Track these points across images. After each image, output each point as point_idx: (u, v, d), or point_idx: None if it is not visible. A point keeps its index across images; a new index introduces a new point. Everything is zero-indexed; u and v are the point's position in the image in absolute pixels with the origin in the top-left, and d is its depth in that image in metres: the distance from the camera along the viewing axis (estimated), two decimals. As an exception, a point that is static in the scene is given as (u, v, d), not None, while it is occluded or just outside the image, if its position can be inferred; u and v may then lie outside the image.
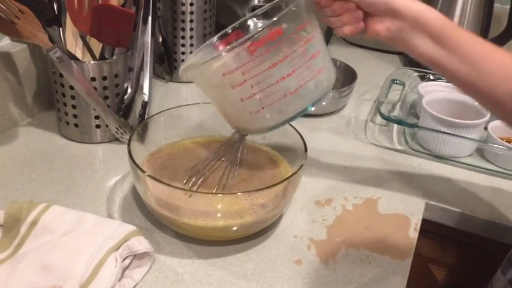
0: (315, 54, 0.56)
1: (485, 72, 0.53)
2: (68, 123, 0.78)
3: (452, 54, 0.54)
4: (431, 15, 0.55)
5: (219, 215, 0.59)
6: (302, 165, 0.61)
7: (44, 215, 0.58)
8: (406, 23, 0.54)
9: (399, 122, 0.84)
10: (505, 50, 0.55)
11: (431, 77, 0.98)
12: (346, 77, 0.97)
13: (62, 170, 0.73)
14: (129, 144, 0.62)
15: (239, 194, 0.61)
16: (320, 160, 0.79)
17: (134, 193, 0.68)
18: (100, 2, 0.70)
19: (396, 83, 0.95)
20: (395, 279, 0.59)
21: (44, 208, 0.59)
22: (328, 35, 1.16)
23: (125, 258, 0.55)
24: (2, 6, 0.68)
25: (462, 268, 0.78)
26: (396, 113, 0.90)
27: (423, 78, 0.98)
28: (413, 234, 0.65)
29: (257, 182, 0.65)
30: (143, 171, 0.58)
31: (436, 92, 0.89)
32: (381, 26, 0.56)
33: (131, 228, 0.57)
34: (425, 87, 0.92)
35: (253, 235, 0.62)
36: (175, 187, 0.59)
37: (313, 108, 0.59)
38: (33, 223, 0.58)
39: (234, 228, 0.60)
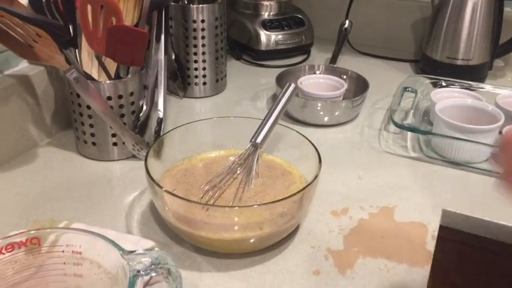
0: None
1: None
2: (85, 142, 0.80)
3: None
4: None
5: (236, 227, 0.60)
6: (317, 176, 0.62)
7: (64, 235, 0.59)
8: None
9: (413, 129, 0.85)
10: None
11: (444, 84, 0.98)
12: (358, 86, 0.98)
13: (81, 188, 0.74)
14: (146, 161, 0.63)
15: (255, 206, 0.62)
16: (335, 170, 0.79)
17: (152, 208, 0.70)
18: (114, 23, 0.71)
19: (408, 91, 0.95)
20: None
21: (65, 226, 0.60)
22: (340, 44, 1.17)
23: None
24: (20, 31, 0.70)
25: (482, 274, 0.78)
26: (409, 120, 0.90)
27: (435, 85, 0.99)
28: (431, 241, 0.65)
29: (272, 193, 0.66)
30: (160, 187, 0.59)
31: (449, 99, 0.89)
32: None
33: (150, 243, 0.58)
34: (437, 93, 0.92)
35: (271, 247, 0.63)
36: (192, 201, 0.60)
37: None
38: (55, 241, 0.59)
39: (252, 240, 0.60)
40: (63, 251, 0.52)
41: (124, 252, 0.46)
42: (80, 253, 0.52)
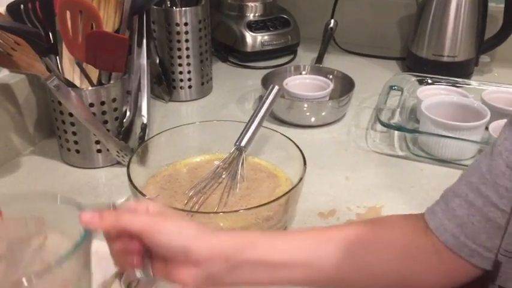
0: None
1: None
2: (69, 149, 0.79)
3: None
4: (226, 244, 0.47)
5: (221, 233, 0.59)
6: (301, 178, 0.61)
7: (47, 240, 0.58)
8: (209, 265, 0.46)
9: (399, 128, 0.84)
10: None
11: (430, 81, 0.98)
12: (344, 86, 0.97)
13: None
14: (128, 167, 0.62)
15: (240, 211, 0.61)
16: (321, 171, 0.79)
17: (137, 216, 0.69)
18: (94, 28, 0.71)
19: (394, 89, 0.95)
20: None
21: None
22: (325, 43, 1.17)
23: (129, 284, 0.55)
24: (-2, 40, 0.69)
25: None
26: (396, 119, 0.90)
27: (421, 82, 0.98)
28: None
29: (258, 197, 0.65)
30: (143, 195, 0.58)
31: (435, 96, 0.88)
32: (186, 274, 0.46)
33: None
34: (424, 91, 0.92)
35: (257, 251, 0.62)
36: (177, 208, 0.59)
37: None
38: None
39: (238, 245, 0.59)
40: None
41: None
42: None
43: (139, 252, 0.45)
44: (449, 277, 0.49)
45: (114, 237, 0.46)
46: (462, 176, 0.49)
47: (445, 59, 1.07)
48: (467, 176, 0.48)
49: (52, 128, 0.82)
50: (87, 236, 0.45)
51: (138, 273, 0.46)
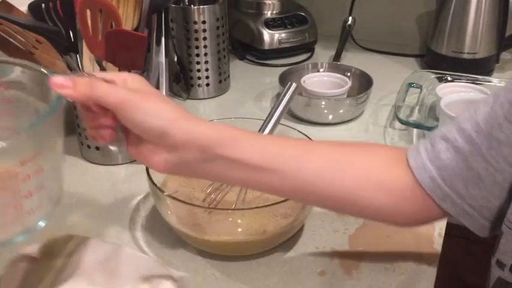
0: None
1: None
2: (89, 146, 0.80)
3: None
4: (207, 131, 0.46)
5: (239, 230, 0.59)
6: (319, 176, 0.61)
7: (80, 248, 0.59)
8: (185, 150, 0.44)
9: (417, 125, 0.84)
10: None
11: (449, 78, 0.97)
12: (362, 83, 0.97)
13: (85, 193, 0.74)
14: (147, 165, 0.63)
15: (258, 208, 0.61)
16: (339, 169, 0.78)
17: (156, 212, 0.69)
18: (113, 27, 0.71)
19: (413, 87, 0.94)
20: (422, 286, 0.58)
21: (80, 241, 0.60)
22: (343, 41, 1.16)
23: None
24: (20, 38, 0.70)
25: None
26: (415, 116, 0.89)
27: (441, 79, 0.97)
28: (437, 239, 0.65)
29: (276, 195, 0.65)
30: (162, 191, 0.59)
31: (454, 93, 0.87)
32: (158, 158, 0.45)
33: (165, 271, 0.56)
34: (443, 88, 0.91)
35: (275, 248, 0.63)
36: (195, 205, 0.59)
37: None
38: (69, 256, 0.58)
39: (256, 242, 0.60)
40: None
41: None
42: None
43: (113, 128, 0.43)
44: (417, 215, 0.50)
45: (86, 106, 0.43)
46: (454, 122, 0.48)
47: (465, 56, 1.05)
48: (461, 122, 0.47)
49: (73, 125, 0.83)
50: (59, 102, 0.42)
51: (111, 146, 0.44)
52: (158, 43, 0.80)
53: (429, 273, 0.59)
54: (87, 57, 0.80)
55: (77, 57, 0.77)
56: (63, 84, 0.42)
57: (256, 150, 0.47)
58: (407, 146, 0.51)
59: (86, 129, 0.45)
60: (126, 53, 0.70)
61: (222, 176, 0.47)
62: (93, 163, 0.81)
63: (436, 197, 0.47)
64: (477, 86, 0.92)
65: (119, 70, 0.77)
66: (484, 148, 0.44)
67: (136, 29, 0.77)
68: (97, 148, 0.79)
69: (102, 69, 0.76)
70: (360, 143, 0.57)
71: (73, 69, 0.73)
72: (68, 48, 0.73)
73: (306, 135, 0.69)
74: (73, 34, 0.75)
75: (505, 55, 1.12)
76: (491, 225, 0.48)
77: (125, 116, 0.42)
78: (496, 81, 0.96)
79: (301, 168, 0.48)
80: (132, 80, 0.46)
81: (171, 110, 0.44)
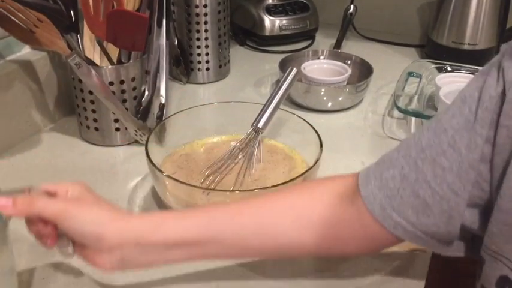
0: None
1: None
2: (88, 127, 0.80)
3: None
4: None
5: (237, 212, 0.60)
6: (317, 160, 0.61)
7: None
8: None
9: (417, 114, 0.84)
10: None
11: (449, 69, 0.97)
12: (362, 71, 0.97)
13: (84, 174, 0.74)
14: (146, 145, 0.63)
15: (256, 190, 0.62)
16: (337, 155, 0.79)
17: (154, 194, 0.70)
18: (115, 7, 0.71)
19: (413, 76, 0.94)
20: (416, 271, 0.58)
21: None
22: (344, 29, 1.16)
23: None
24: (21, 16, 0.70)
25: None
26: (414, 106, 0.89)
27: (441, 70, 0.97)
28: (433, 226, 0.65)
29: (274, 178, 0.66)
30: (161, 172, 0.59)
31: (453, 84, 0.88)
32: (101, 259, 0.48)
33: None
34: (442, 78, 0.91)
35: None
36: (193, 186, 0.60)
37: None
38: None
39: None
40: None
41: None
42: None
43: (52, 237, 0.46)
44: (371, 244, 0.50)
45: (29, 220, 0.47)
46: (401, 145, 0.48)
47: (466, 47, 1.06)
48: (406, 148, 0.47)
49: (72, 105, 0.83)
50: (2, 221, 0.47)
51: (58, 252, 0.48)
52: (159, 25, 0.80)
53: (423, 259, 0.60)
54: (87, 38, 0.80)
55: (77, 37, 0.77)
56: (2, 204, 0.45)
57: (185, 227, 0.49)
58: (359, 172, 0.51)
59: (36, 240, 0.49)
60: (127, 33, 0.70)
61: (168, 259, 0.49)
62: (92, 144, 0.81)
63: (387, 225, 0.47)
64: (476, 77, 0.92)
65: (120, 51, 0.77)
66: (429, 175, 0.44)
67: (138, 10, 0.77)
68: (96, 129, 0.79)
69: (103, 49, 0.76)
70: (313, 181, 0.58)
71: (73, 48, 0.72)
72: (69, 28, 0.73)
73: (305, 120, 0.69)
74: (74, 14, 0.75)
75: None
76: (464, 244, 0.49)
77: (64, 226, 0.46)
78: (495, 72, 0.96)
79: (234, 231, 0.49)
80: (72, 189, 0.49)
81: (105, 214, 0.48)
